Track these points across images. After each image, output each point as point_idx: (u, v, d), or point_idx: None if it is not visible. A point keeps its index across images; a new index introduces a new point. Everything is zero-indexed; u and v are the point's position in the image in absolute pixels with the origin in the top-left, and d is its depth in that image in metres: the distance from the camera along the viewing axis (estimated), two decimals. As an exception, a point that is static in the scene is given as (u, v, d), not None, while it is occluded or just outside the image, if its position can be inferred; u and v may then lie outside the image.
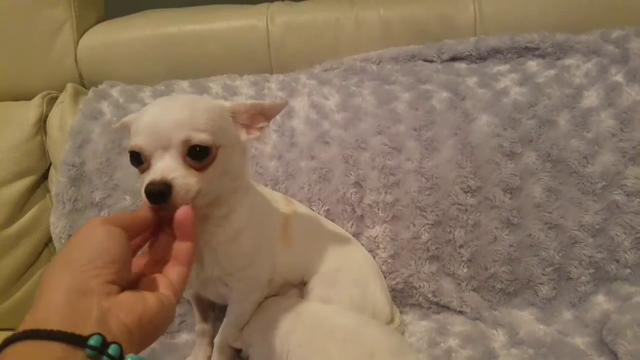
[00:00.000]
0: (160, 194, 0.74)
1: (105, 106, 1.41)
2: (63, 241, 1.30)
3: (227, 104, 0.89)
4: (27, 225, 1.42)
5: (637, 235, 1.22)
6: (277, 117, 1.35)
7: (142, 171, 0.80)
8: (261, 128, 0.91)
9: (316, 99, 1.39)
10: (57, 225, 1.32)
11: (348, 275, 1.14)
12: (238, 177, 0.93)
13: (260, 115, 0.91)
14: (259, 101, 0.89)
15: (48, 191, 1.49)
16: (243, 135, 0.90)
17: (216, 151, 0.82)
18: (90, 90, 1.48)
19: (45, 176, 1.50)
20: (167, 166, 0.77)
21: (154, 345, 1.17)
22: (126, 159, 1.33)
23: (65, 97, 1.50)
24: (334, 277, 1.12)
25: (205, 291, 1.08)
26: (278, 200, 1.16)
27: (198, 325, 1.16)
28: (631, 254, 1.23)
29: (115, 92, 1.46)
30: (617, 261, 1.24)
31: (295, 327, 0.98)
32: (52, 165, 1.49)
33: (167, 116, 0.80)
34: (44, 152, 1.48)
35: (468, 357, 1.08)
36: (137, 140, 0.79)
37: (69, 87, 1.53)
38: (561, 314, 1.23)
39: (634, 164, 1.23)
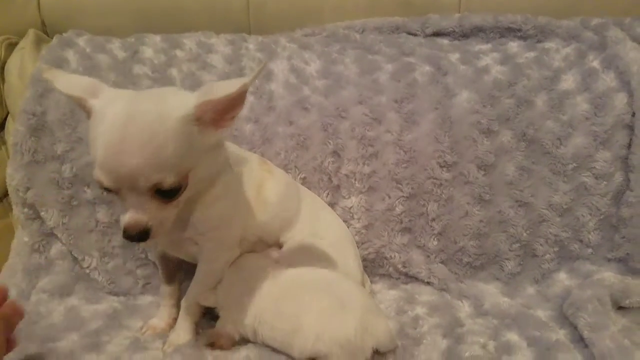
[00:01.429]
0: (139, 238, 0.78)
1: (70, 55, 1.31)
2: (20, 194, 1.21)
3: (191, 108, 0.76)
4: (-22, 178, 1.32)
5: (602, 217, 1.26)
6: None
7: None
8: (232, 118, 0.81)
9: (296, 63, 1.35)
10: (14, 177, 1.22)
11: (323, 242, 1.12)
12: (218, 171, 0.90)
13: (230, 106, 0.79)
14: (227, 93, 0.76)
15: (4, 142, 1.39)
16: (212, 137, 0.81)
17: (187, 178, 0.79)
18: (55, 37, 1.37)
19: (1, 127, 1.40)
20: (139, 208, 0.76)
21: (117, 305, 1.13)
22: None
23: (26, 43, 1.39)
24: (310, 243, 1.10)
25: (175, 250, 1.05)
26: (253, 161, 1.12)
27: (163, 287, 1.11)
28: (594, 234, 1.26)
29: (81, 42, 1.35)
30: (581, 241, 1.27)
31: (270, 289, 0.96)
32: (9, 115, 1.38)
33: (128, 160, 0.72)
34: (0, 100, 1.37)
35: (435, 325, 1.08)
36: (100, 177, 0.75)
37: (31, 32, 1.42)
38: (525, 289, 1.26)
39: (604, 147, 1.26)
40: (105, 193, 0.78)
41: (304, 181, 1.28)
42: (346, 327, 0.87)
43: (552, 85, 1.30)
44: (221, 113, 0.79)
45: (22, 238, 1.23)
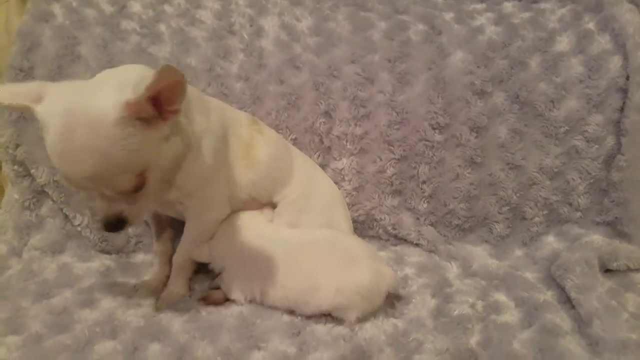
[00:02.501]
0: (117, 227, 0.78)
1: (57, 8, 1.23)
2: (10, 151, 1.17)
3: (121, 109, 0.71)
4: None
5: (592, 181, 1.23)
6: (245, 35, 1.26)
7: None
8: (176, 111, 0.76)
9: (287, 20, 1.28)
10: (3, 133, 1.17)
11: (316, 203, 1.09)
12: (184, 151, 0.85)
13: (164, 96, 0.73)
14: (149, 83, 0.70)
15: (-7, 100, 1.33)
16: (160, 130, 0.75)
17: (145, 174, 0.75)
18: (40, -10, 1.30)
19: (-11, 84, 1.34)
20: (112, 202, 0.76)
21: (109, 263, 1.11)
22: (79, 67, 1.22)
23: (11, -3, 1.32)
24: (303, 203, 1.07)
25: (164, 209, 1.02)
26: (243, 120, 1.07)
27: (156, 245, 1.09)
28: (584, 198, 1.23)
29: (68, -5, 1.28)
30: (570, 204, 1.24)
31: (278, 253, 0.95)
32: (-1, 73, 1.33)
33: (81, 170, 0.71)
34: (-13, 57, 1.31)
35: (423, 285, 1.06)
36: (64, 182, 0.77)
37: (17, -14, 1.34)
38: (513, 251, 1.23)
39: (597, 111, 1.22)
40: None
41: (294, 142, 1.24)
42: (362, 277, 0.90)
43: (547, 47, 1.24)
44: (162, 105, 0.74)
45: (12, 195, 1.19)
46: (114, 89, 0.73)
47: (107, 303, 0.95)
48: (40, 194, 1.19)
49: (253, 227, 1.00)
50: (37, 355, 0.79)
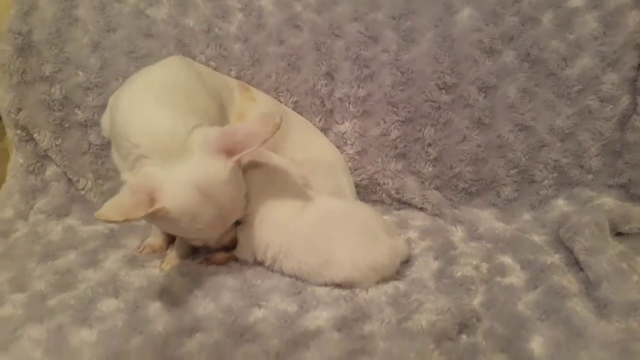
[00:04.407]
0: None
1: (54, -28, 1.22)
2: (12, 116, 1.17)
3: (229, 167, 0.85)
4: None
5: (605, 142, 1.19)
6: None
7: None
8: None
9: (287, -23, 1.24)
10: (5, 98, 1.18)
11: (322, 167, 1.09)
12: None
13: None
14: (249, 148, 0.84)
15: (-6, 65, 1.32)
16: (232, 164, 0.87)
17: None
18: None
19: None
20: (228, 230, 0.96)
21: (113, 225, 1.12)
22: (78, 30, 1.20)
23: (9, -40, 1.29)
24: (311, 166, 1.07)
25: None
26: (234, 89, 1.06)
27: None
28: (596, 160, 1.20)
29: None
30: (582, 166, 1.21)
31: (298, 226, 0.94)
32: (-2, 37, 1.32)
33: (228, 222, 0.90)
34: (-14, 21, 1.30)
35: (427, 248, 1.06)
36: (200, 240, 0.94)
37: (13, -52, 1.31)
38: (521, 215, 1.21)
39: (612, 69, 1.16)
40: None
41: (295, 105, 1.22)
42: (380, 254, 0.90)
43: (560, 2, 1.18)
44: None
45: (17, 160, 1.20)
46: (207, 151, 0.82)
47: (111, 264, 0.96)
48: (43, 158, 1.20)
49: (278, 202, 0.98)
50: (41, 313, 0.80)
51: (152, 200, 0.76)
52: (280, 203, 0.97)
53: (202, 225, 0.82)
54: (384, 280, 0.91)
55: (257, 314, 0.80)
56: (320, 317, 0.80)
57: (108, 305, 0.82)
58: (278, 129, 0.83)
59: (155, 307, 0.81)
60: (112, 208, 0.74)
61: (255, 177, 0.97)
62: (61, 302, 0.83)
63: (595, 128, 1.19)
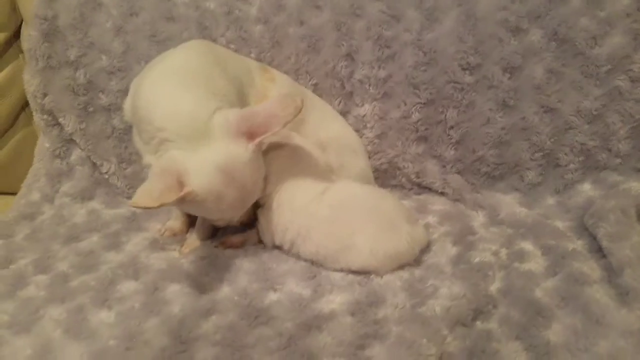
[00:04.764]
0: None
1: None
2: (38, 100, 1.20)
3: (250, 149, 0.86)
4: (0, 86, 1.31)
5: (634, 125, 1.14)
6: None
7: None
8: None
9: (307, -45, 1.21)
10: (31, 83, 1.20)
11: (346, 148, 1.10)
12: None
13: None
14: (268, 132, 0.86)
15: (21, 51, 1.36)
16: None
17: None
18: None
19: (17, 35, 1.36)
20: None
21: (135, 209, 1.14)
22: (101, 15, 1.21)
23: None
24: (335, 146, 1.08)
25: None
26: (254, 71, 1.06)
27: None
28: (625, 143, 1.15)
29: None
30: (609, 150, 1.16)
31: (319, 211, 0.93)
32: (23, 22, 1.34)
33: (247, 202, 0.91)
34: (14, 7, 1.33)
35: (445, 233, 1.04)
36: (223, 219, 0.93)
37: None
38: (544, 200, 1.18)
39: (644, 47, 1.11)
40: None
41: (315, 88, 1.21)
42: (400, 243, 0.90)
43: (591, -22, 1.13)
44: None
45: (43, 144, 1.24)
46: (228, 134, 0.83)
47: (132, 247, 0.99)
48: (69, 142, 1.23)
49: (299, 184, 0.98)
50: (63, 294, 0.83)
51: (180, 184, 0.78)
52: (301, 185, 0.97)
53: (225, 206, 0.83)
54: (401, 267, 0.90)
55: (272, 297, 0.81)
56: (334, 302, 0.80)
57: (127, 287, 0.84)
58: (299, 112, 0.84)
59: (173, 289, 0.83)
60: (144, 195, 0.75)
61: (276, 158, 0.98)
62: (82, 283, 0.86)
63: (625, 109, 1.14)
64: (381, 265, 0.88)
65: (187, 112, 0.83)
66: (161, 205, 0.75)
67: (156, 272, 0.88)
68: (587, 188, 1.17)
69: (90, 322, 0.76)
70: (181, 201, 0.78)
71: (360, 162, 1.15)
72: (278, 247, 0.97)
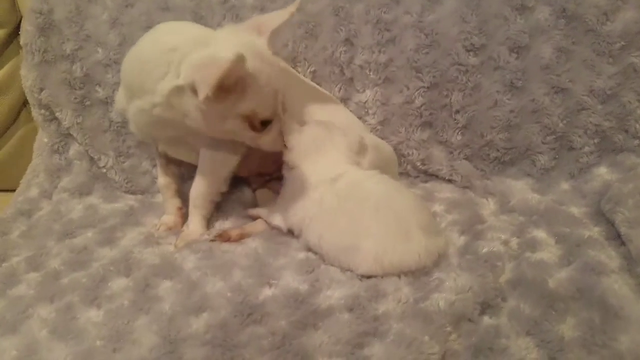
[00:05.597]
0: None
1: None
2: (35, 95, 1.17)
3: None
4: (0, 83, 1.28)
5: (653, 103, 1.06)
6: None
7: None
8: None
9: (304, -63, 1.16)
10: (28, 77, 1.17)
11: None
12: None
13: None
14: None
15: (21, 47, 1.32)
16: None
17: None
18: None
19: (17, 32, 1.33)
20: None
21: (134, 203, 1.12)
22: (97, 7, 1.17)
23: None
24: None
25: (174, 150, 1.01)
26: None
27: (161, 179, 1.06)
28: (642, 123, 1.08)
29: None
30: (626, 131, 1.09)
31: (325, 196, 0.86)
32: (23, 18, 1.31)
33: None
34: (13, 3, 1.30)
35: (452, 222, 0.98)
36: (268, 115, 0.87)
37: None
38: (558, 185, 1.11)
39: (660, 21, 1.03)
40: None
41: (314, 75, 1.16)
42: (409, 253, 0.80)
43: (601, -51, 1.05)
44: None
45: (42, 139, 1.21)
46: (238, 30, 0.87)
47: (127, 242, 0.95)
48: (67, 137, 1.20)
49: (309, 169, 0.92)
50: (52, 292, 0.79)
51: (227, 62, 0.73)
52: (317, 167, 0.90)
53: (267, 80, 0.82)
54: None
55: (267, 292, 0.76)
56: (332, 297, 0.75)
57: (118, 284, 0.80)
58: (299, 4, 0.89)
59: (164, 286, 0.78)
60: (205, 81, 0.73)
61: (301, 132, 0.93)
62: (73, 280, 0.82)
63: (642, 87, 1.06)
64: (386, 273, 0.79)
65: (193, 27, 0.90)
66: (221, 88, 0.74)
67: (148, 267, 0.83)
68: (603, 172, 1.10)
69: (78, 322, 0.72)
70: (235, 86, 0.78)
71: None
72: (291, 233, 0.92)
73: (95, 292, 0.78)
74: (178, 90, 0.80)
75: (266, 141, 0.90)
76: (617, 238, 0.88)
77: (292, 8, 0.87)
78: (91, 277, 0.82)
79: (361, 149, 0.94)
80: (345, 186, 0.86)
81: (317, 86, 1.15)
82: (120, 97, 0.95)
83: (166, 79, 0.82)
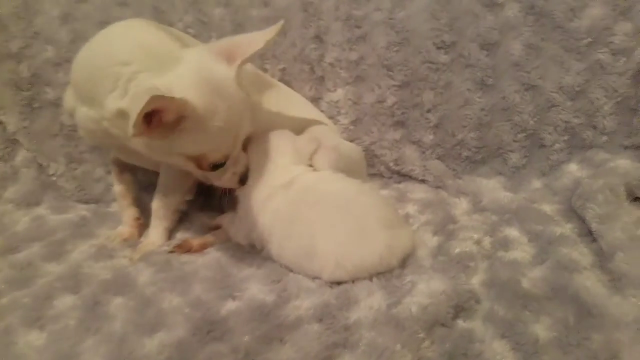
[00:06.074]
0: None
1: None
2: (-23, 100, 1.10)
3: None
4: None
5: (619, 99, 1.07)
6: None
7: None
8: None
9: None
10: (-33, 80, 1.10)
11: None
12: None
13: None
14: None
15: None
16: None
17: None
18: None
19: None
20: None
21: (86, 213, 1.06)
22: (47, 2, 1.10)
23: None
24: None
25: (128, 156, 0.95)
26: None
27: (116, 186, 1.01)
28: (610, 119, 1.08)
29: None
30: (595, 127, 1.10)
31: (279, 205, 0.83)
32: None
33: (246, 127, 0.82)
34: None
35: (425, 222, 0.96)
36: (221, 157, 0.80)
37: None
38: (530, 183, 1.11)
39: (624, 18, 1.05)
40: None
41: (283, 73, 1.13)
42: (371, 253, 0.77)
43: (568, -54, 1.05)
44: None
45: (-14, 147, 1.14)
46: (206, 54, 0.77)
47: (77, 256, 0.89)
48: (13, 142, 1.14)
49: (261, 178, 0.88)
50: (-11, 315, 0.73)
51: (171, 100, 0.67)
52: (268, 175, 0.86)
53: (221, 122, 0.73)
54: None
55: (230, 306, 0.72)
56: (300, 307, 0.71)
57: (65, 302, 0.74)
58: (281, 29, 0.79)
59: (116, 303, 0.73)
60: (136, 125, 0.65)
61: (255, 151, 0.89)
62: (14, 300, 0.76)
63: (608, 84, 1.07)
64: (352, 277, 0.76)
65: (155, 39, 0.77)
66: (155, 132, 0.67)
67: (98, 283, 0.78)
68: (573, 168, 1.10)
69: (16, 347, 0.66)
70: (177, 124, 0.70)
71: None
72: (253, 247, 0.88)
73: (38, 312, 0.72)
74: (122, 112, 0.72)
75: (217, 180, 0.83)
76: (588, 234, 0.88)
77: (269, 35, 0.78)
78: (34, 296, 0.76)
79: (311, 149, 0.91)
80: (298, 191, 0.83)
81: (286, 87, 1.11)
82: (68, 96, 0.89)
83: (112, 96, 0.74)
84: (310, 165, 0.90)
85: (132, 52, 0.73)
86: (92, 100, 0.78)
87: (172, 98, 0.66)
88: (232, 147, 0.80)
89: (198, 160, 0.77)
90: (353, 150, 1.03)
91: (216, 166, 0.79)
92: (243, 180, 0.85)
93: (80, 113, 0.83)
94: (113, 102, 0.73)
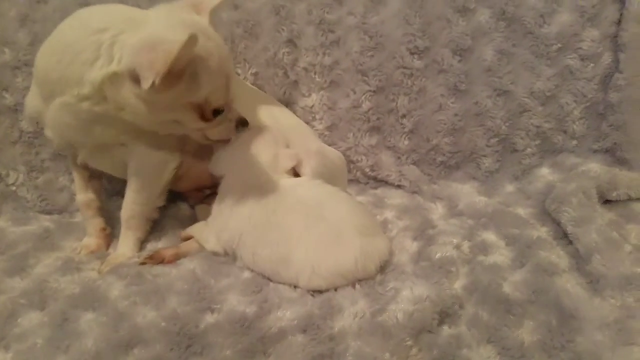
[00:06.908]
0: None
1: None
2: None
3: None
4: None
5: (588, 104, 1.11)
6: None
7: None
8: None
9: None
10: None
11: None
12: None
13: None
14: None
15: None
16: None
17: None
18: None
19: None
20: None
21: (49, 225, 1.01)
22: (4, 3, 1.05)
23: None
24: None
25: (97, 160, 0.90)
26: None
27: (80, 196, 0.96)
28: (579, 124, 1.12)
29: None
30: (565, 131, 1.13)
31: (253, 211, 0.81)
32: None
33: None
34: None
35: (404, 228, 0.96)
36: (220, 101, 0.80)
37: None
38: (503, 187, 1.13)
39: (591, 25, 1.08)
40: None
41: (255, 78, 1.11)
42: (346, 258, 0.77)
43: (535, -46, 1.09)
44: None
45: (-63, 155, 1.07)
46: (177, 9, 0.78)
47: (41, 269, 0.84)
48: (-33, 151, 1.07)
49: (241, 180, 0.86)
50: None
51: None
52: (243, 178, 0.85)
53: (216, 61, 0.74)
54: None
55: (209, 319, 0.69)
56: (283, 318, 0.69)
57: (30, 319, 0.70)
58: None
59: (86, 319, 0.69)
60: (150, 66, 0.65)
61: (229, 152, 0.87)
62: (-28, 321, 0.71)
63: (577, 89, 1.11)
64: (329, 284, 0.76)
65: (125, 7, 0.80)
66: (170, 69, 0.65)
67: (66, 298, 0.74)
68: (545, 172, 1.13)
69: (-23, 371, 0.62)
70: (183, 71, 0.70)
71: None
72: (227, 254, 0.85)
73: (1, 332, 0.68)
74: (114, 78, 0.72)
75: (216, 132, 0.83)
76: (564, 237, 0.90)
77: None
78: (-4, 314, 0.71)
79: (289, 165, 0.90)
80: (273, 197, 0.82)
81: (260, 90, 1.10)
82: (32, 99, 0.85)
83: (96, 66, 0.73)
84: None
85: (105, 20, 0.74)
86: (66, 85, 0.76)
87: (193, 44, 0.66)
88: (229, 90, 0.81)
89: (201, 109, 0.78)
90: (336, 155, 1.02)
91: (217, 113, 0.80)
92: (239, 125, 0.86)
93: (53, 108, 0.79)
94: (99, 72, 0.73)
